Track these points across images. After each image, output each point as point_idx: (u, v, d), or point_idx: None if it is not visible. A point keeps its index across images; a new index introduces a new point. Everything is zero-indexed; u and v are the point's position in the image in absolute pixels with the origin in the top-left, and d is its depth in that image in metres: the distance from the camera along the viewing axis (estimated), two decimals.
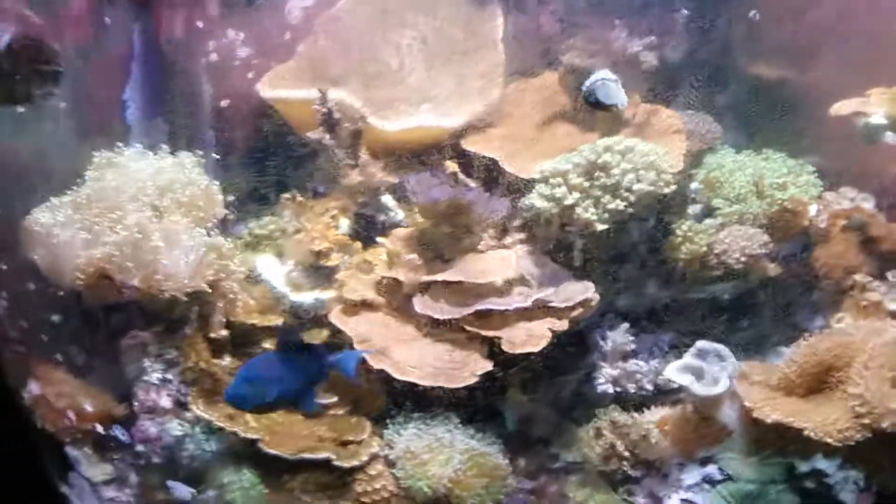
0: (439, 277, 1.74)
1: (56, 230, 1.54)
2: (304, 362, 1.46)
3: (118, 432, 1.69)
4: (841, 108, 1.75)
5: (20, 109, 1.53)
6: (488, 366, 1.67)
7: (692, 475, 1.73)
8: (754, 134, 2.04)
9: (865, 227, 1.85)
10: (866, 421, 1.55)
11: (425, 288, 1.77)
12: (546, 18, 1.94)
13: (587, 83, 1.58)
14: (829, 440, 1.56)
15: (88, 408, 1.67)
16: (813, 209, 1.90)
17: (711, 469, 1.72)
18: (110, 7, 1.72)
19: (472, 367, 1.66)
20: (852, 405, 1.55)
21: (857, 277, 1.82)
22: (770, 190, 1.85)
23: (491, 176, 1.90)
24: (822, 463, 1.64)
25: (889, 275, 1.79)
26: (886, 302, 1.78)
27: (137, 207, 1.56)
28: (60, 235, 1.54)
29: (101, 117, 1.75)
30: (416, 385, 1.66)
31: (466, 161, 1.91)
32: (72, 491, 1.85)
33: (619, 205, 1.74)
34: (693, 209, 1.97)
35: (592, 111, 1.71)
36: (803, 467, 1.65)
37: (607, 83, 1.55)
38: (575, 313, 1.72)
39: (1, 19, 1.35)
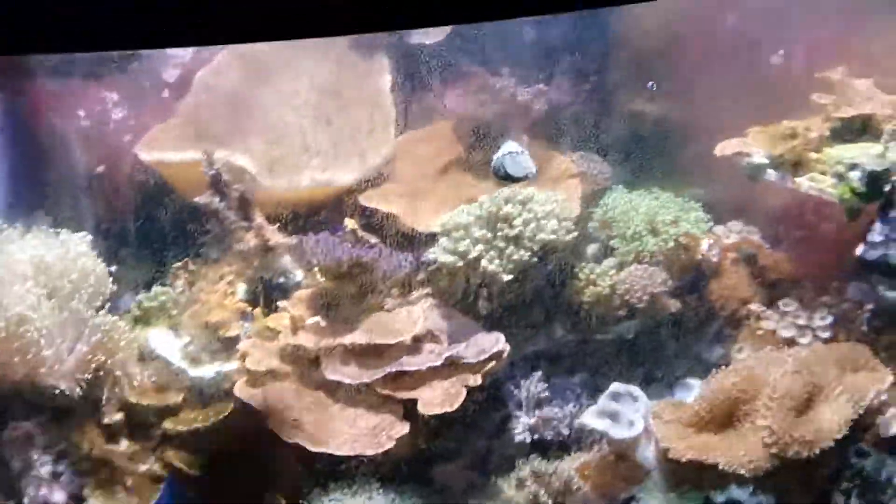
0: (347, 340, 1.69)
1: None
2: None
3: None
4: (724, 148, 1.82)
5: None
6: (405, 428, 1.62)
7: None
8: (643, 172, 2.10)
9: (754, 259, 1.93)
10: (774, 451, 1.61)
11: (332, 352, 1.70)
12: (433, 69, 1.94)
13: (494, 158, 1.57)
14: (742, 471, 1.61)
15: None
16: (704, 244, 1.96)
17: None
18: None
19: (388, 431, 1.61)
20: (761, 436, 1.61)
21: (752, 307, 1.90)
22: (663, 227, 1.90)
23: (390, 231, 1.87)
24: (736, 493, 1.67)
25: (780, 303, 1.87)
26: (780, 330, 1.85)
27: (15, 293, 1.43)
28: None
29: None
30: (332, 455, 1.60)
31: (366, 216, 1.87)
32: None
33: (524, 255, 1.74)
34: (591, 248, 2.00)
35: (503, 184, 1.70)
36: (719, 498, 1.68)
37: (515, 156, 1.56)
38: (488, 367, 1.71)
39: None
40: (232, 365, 1.70)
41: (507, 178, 1.55)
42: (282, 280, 1.84)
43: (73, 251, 1.55)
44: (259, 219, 1.83)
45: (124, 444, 1.64)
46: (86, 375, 1.49)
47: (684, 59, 2.06)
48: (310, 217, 1.87)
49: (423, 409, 1.61)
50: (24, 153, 1.68)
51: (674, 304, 1.91)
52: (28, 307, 1.43)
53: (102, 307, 1.58)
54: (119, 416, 1.63)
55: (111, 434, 1.63)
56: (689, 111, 2.10)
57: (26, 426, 1.59)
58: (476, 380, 1.67)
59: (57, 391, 1.48)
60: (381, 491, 1.66)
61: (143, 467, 1.64)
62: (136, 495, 1.55)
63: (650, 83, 1.93)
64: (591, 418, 1.68)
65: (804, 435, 1.60)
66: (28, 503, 1.58)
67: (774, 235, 1.95)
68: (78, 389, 1.51)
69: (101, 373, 1.55)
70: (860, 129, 1.78)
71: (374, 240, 1.84)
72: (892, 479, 1.75)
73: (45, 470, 1.58)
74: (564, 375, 1.91)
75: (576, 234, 1.79)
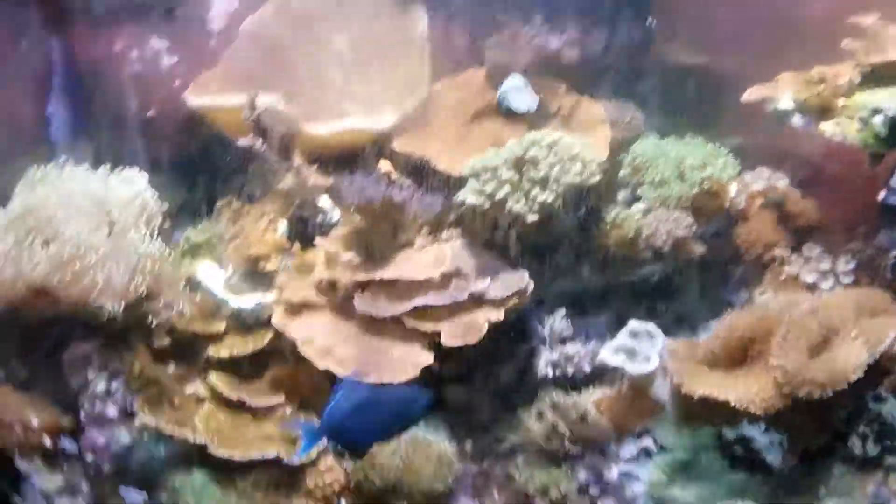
0: (377, 276, 1.79)
1: None
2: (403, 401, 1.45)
3: (66, 443, 1.70)
4: (752, 94, 1.84)
5: None
6: (429, 358, 1.72)
7: (629, 449, 1.81)
8: (676, 120, 2.12)
9: (781, 205, 1.95)
10: (786, 390, 1.65)
11: (364, 286, 1.81)
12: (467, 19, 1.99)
13: (499, 92, 1.63)
14: (753, 409, 1.66)
15: (35, 421, 1.68)
16: (733, 190, 1.99)
17: (647, 442, 1.80)
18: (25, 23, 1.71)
19: (413, 361, 1.71)
20: (773, 375, 1.65)
21: (776, 252, 1.92)
22: (690, 172, 1.93)
23: (423, 174, 1.95)
24: (747, 429, 1.73)
25: (804, 248, 1.89)
26: (803, 274, 1.88)
27: (72, 221, 1.57)
28: None
29: (24, 134, 1.75)
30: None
31: (399, 160, 1.95)
32: (25, 502, 1.86)
33: (549, 196, 1.80)
34: (622, 195, 2.05)
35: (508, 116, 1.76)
36: (730, 434, 1.74)
37: (517, 90, 1.61)
38: (511, 303, 1.79)
39: None
40: (270, 296, 1.82)
41: (509, 112, 1.61)
42: (319, 219, 1.94)
43: (128, 187, 1.68)
44: (299, 161, 1.93)
45: (171, 367, 1.79)
46: (134, 297, 1.62)
47: (721, 7, 2.07)
48: (347, 160, 1.96)
49: (446, 340, 1.70)
50: (81, 95, 1.80)
51: (698, 249, 1.94)
52: (85, 237, 1.57)
53: (153, 239, 1.71)
54: (167, 341, 1.77)
55: (160, 357, 1.78)
56: (726, 60, 2.11)
57: (85, 348, 1.76)
58: (498, 315, 1.75)
59: (108, 312, 1.62)
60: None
61: (188, 389, 1.79)
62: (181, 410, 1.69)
63: (649, 20, 1.94)
64: (608, 353, 1.75)
65: (817, 376, 1.63)
66: (84, 417, 1.76)
67: (803, 182, 1.96)
68: (120, 308, 1.63)
69: (151, 299, 1.69)
70: (892, 75, 1.77)
71: (406, 182, 1.92)
72: None
73: (100, 387, 1.75)
74: (589, 315, 1.98)
75: (600, 177, 1.83)
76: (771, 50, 2.00)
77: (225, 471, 1.73)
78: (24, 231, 1.59)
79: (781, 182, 1.97)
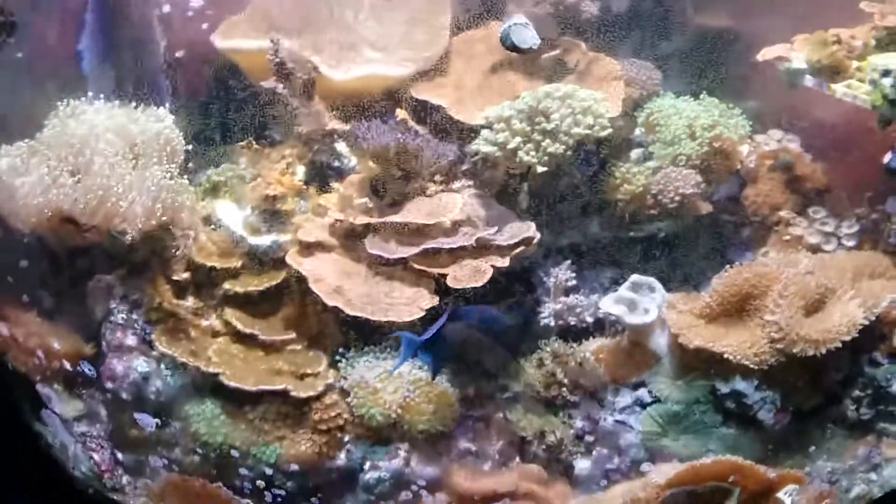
0: (389, 219, 1.85)
1: (17, 176, 1.63)
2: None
3: (86, 368, 1.79)
4: (766, 53, 1.85)
5: None
6: (435, 301, 1.79)
7: (625, 399, 1.86)
8: (693, 80, 2.14)
9: (791, 167, 1.97)
10: (780, 346, 1.70)
11: (376, 229, 1.87)
12: None
13: (502, 28, 1.68)
14: (747, 363, 1.71)
15: (57, 346, 1.77)
16: (745, 150, 2.02)
17: (642, 392, 1.85)
18: None
19: (419, 303, 1.78)
20: (768, 331, 1.70)
21: (782, 214, 1.95)
22: (701, 132, 1.96)
23: (439, 123, 1.99)
24: (741, 384, 1.77)
25: (810, 210, 1.92)
26: (807, 236, 1.91)
27: (99, 153, 1.65)
28: (21, 180, 1.62)
29: (57, 68, 1.82)
30: (368, 320, 1.78)
31: (416, 109, 2.00)
32: (46, 428, 1.97)
33: (559, 148, 1.84)
34: (636, 153, 2.08)
35: (511, 54, 1.82)
36: (724, 389, 1.78)
37: (520, 28, 1.65)
38: (517, 251, 1.84)
39: None
40: (286, 236, 1.89)
41: (513, 49, 1.65)
42: (336, 163, 2.00)
43: (153, 124, 1.75)
44: (319, 105, 1.98)
45: (190, 301, 1.87)
46: (155, 229, 1.70)
47: None
48: (365, 106, 2.01)
49: (452, 283, 1.77)
50: (112, 33, 1.86)
51: (705, 207, 1.98)
52: (111, 168, 1.64)
53: (176, 174, 1.78)
54: (186, 275, 1.85)
55: (179, 290, 1.86)
56: (747, 23, 2.11)
57: (108, 279, 1.84)
58: (504, 262, 1.81)
59: (130, 241, 1.70)
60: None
61: (204, 322, 1.87)
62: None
63: None
64: (608, 303, 1.80)
65: (811, 333, 1.68)
66: (105, 345, 1.85)
67: (814, 145, 1.98)
68: (139, 237, 1.71)
69: (171, 232, 1.76)
70: None
71: (422, 130, 1.97)
72: None
73: (120, 317, 1.83)
74: (595, 268, 2.02)
75: (610, 131, 1.86)
76: (793, 13, 2.01)
77: (236, 402, 1.81)
78: (54, 161, 1.66)
79: (793, 144, 1.99)
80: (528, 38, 1.66)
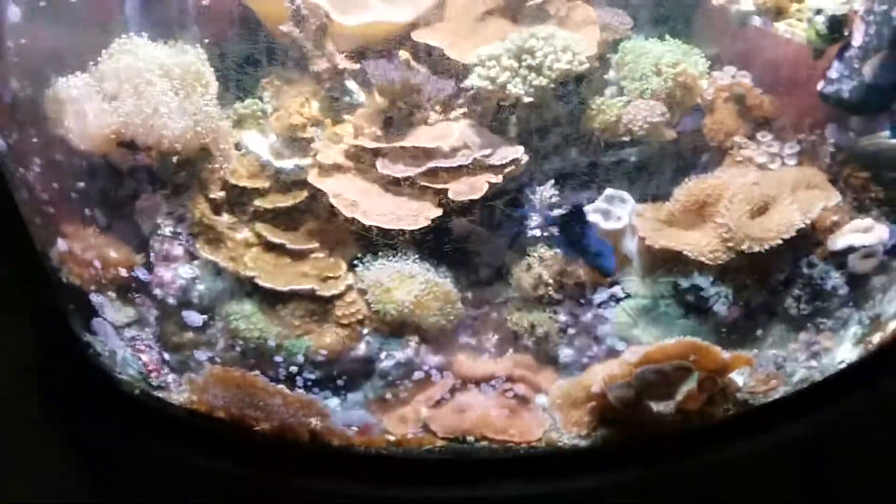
0: (397, 144, 2.13)
1: (79, 101, 1.89)
2: None
3: (140, 273, 2.07)
4: None
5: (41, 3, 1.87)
6: (439, 212, 2.07)
7: (602, 296, 2.14)
8: (660, 25, 2.41)
9: (742, 98, 2.26)
10: (731, 244, 2.01)
11: (385, 153, 2.15)
12: None
13: None
14: (703, 259, 2.00)
15: (114, 255, 2.04)
16: (704, 84, 2.31)
17: (616, 290, 2.13)
18: None
19: (425, 213, 2.06)
20: (720, 232, 2.01)
21: (736, 139, 2.25)
22: (666, 69, 2.25)
23: (437, 62, 2.26)
24: (699, 280, 2.08)
25: (758, 135, 2.22)
26: (756, 157, 2.21)
27: (149, 82, 1.91)
28: (83, 105, 1.88)
29: (103, 10, 2.06)
30: (381, 230, 2.06)
31: (417, 49, 2.26)
32: (95, 337, 2.22)
33: (542, 81, 2.11)
34: (610, 90, 2.36)
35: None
36: (684, 284, 2.07)
37: None
38: (508, 170, 2.12)
39: None
40: (307, 160, 2.13)
41: None
42: (347, 99, 2.26)
43: (190, 60, 2.01)
44: (331, 47, 2.23)
45: (225, 217, 2.13)
46: (196, 152, 1.97)
47: None
48: (372, 48, 2.27)
49: (453, 195, 2.04)
50: None
51: (669, 134, 2.27)
52: (160, 96, 1.91)
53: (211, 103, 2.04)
54: (221, 194, 2.11)
55: (216, 207, 2.09)
56: None
57: (155, 197, 2.07)
58: (497, 178, 2.09)
59: (175, 161, 1.97)
60: (417, 260, 2.12)
61: (239, 235, 2.13)
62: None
63: None
64: (587, 212, 2.10)
65: (755, 232, 1.98)
66: (153, 256, 2.09)
67: (762, 80, 2.27)
68: (176, 159, 1.98)
69: (209, 155, 2.03)
70: None
71: (423, 69, 2.24)
72: (837, 289, 2.11)
73: (167, 230, 2.08)
74: (576, 189, 2.31)
75: (586, 66, 2.14)
76: None
77: (269, 301, 2.08)
78: (109, 90, 1.93)
79: (745, 79, 2.29)
80: None
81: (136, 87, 1.91)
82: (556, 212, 2.12)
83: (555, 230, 2.20)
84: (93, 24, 1.99)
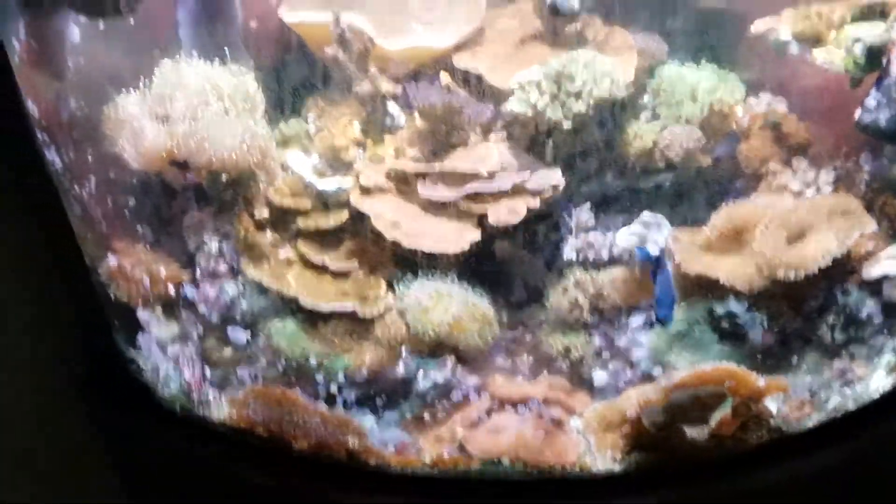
0: (437, 167, 2.17)
1: (135, 120, 1.95)
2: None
3: (187, 291, 2.12)
4: (758, 25, 2.17)
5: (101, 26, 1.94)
6: (478, 235, 2.11)
7: (637, 320, 2.16)
8: (698, 52, 2.45)
9: (778, 126, 2.29)
10: (765, 271, 2.02)
11: (425, 176, 2.19)
12: None
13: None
14: (738, 286, 2.03)
15: (163, 272, 2.09)
16: (739, 111, 2.33)
17: (651, 314, 2.18)
18: None
19: (465, 236, 2.10)
20: (755, 259, 2.02)
21: (771, 166, 2.27)
22: (702, 95, 2.28)
23: (477, 86, 2.31)
24: (734, 306, 2.09)
25: (794, 162, 2.24)
26: (791, 184, 2.23)
27: (201, 103, 1.97)
28: (138, 124, 1.95)
29: (161, 33, 2.13)
30: (421, 251, 2.10)
31: (458, 74, 2.31)
32: (139, 353, 2.27)
33: (581, 107, 2.16)
34: (645, 113, 2.39)
35: (554, 16, 2.20)
36: (720, 310, 2.08)
37: None
38: (546, 195, 2.16)
39: None
40: (349, 181, 2.18)
41: (554, 12, 2.00)
42: (388, 121, 2.31)
43: (240, 81, 2.07)
44: (373, 70, 2.29)
45: (269, 235, 2.19)
46: (244, 172, 2.03)
47: None
48: (414, 71, 2.32)
49: (492, 220, 2.09)
50: (203, 6, 2.17)
51: (706, 160, 2.30)
52: (211, 116, 1.97)
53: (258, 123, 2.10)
54: (265, 213, 2.17)
55: (259, 225, 2.15)
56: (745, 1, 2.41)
57: (201, 215, 2.14)
58: (535, 203, 2.13)
59: (224, 180, 2.03)
60: (457, 281, 2.16)
61: (282, 253, 2.19)
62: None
63: None
64: (623, 236, 2.13)
65: (791, 259, 2.00)
66: (200, 272, 2.15)
67: (799, 107, 2.30)
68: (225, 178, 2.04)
69: (255, 174, 2.09)
70: (878, 13, 2.09)
71: (463, 92, 2.29)
72: (872, 318, 2.10)
73: (213, 247, 2.14)
74: (611, 213, 2.34)
75: (626, 93, 2.18)
76: None
77: (310, 320, 2.12)
78: (163, 109, 1.99)
79: (780, 106, 2.31)
80: (569, 3, 2.02)
81: (190, 108, 1.97)
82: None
83: (592, 254, 2.23)
84: (148, 44, 2.06)
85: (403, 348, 2.14)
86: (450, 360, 2.14)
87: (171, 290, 2.12)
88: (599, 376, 2.19)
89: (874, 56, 1.95)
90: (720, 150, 2.35)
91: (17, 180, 2.00)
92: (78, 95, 2.04)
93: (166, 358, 2.23)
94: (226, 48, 2.12)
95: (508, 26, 2.40)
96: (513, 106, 2.19)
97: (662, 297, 1.96)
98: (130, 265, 2.12)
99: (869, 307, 2.13)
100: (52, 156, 2.05)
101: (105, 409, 2.33)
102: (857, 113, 2.02)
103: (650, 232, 2.14)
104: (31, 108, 1.99)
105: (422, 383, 2.14)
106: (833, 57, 2.03)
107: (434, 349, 2.15)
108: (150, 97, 2.02)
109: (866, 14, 2.07)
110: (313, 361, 2.10)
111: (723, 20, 2.42)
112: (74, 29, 1.97)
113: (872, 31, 1.95)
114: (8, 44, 1.90)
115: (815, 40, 2.09)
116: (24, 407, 2.18)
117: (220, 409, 2.22)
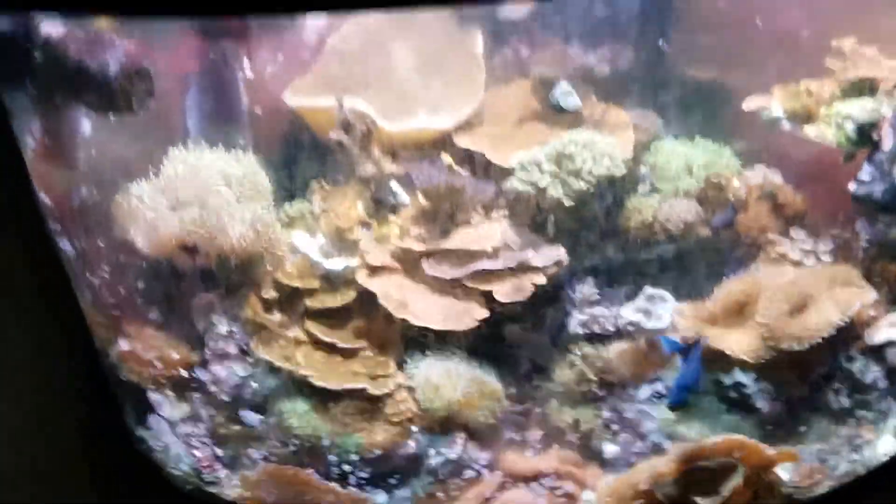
0: (442, 246, 2.21)
1: (146, 208, 1.99)
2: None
3: (198, 373, 2.13)
4: (750, 102, 2.25)
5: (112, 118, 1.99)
6: (485, 313, 2.13)
7: (645, 392, 2.18)
8: (690, 126, 2.51)
9: (774, 196, 2.34)
10: (770, 343, 2.05)
11: (430, 255, 2.23)
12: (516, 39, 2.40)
13: (551, 94, 2.11)
14: (744, 357, 2.06)
15: (175, 356, 2.11)
16: (736, 183, 2.39)
17: (659, 386, 2.17)
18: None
19: (472, 314, 2.12)
20: (760, 331, 2.05)
21: (769, 236, 2.32)
22: (697, 169, 2.33)
23: (478, 165, 2.36)
24: (740, 377, 2.11)
25: (791, 232, 2.29)
26: (790, 253, 2.27)
27: (211, 190, 2.01)
28: (149, 212, 1.98)
29: (170, 123, 2.19)
30: (429, 329, 2.13)
31: (459, 154, 2.37)
32: (149, 433, 2.27)
33: (582, 185, 2.21)
34: (642, 188, 2.45)
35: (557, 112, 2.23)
36: (727, 381, 2.11)
37: (566, 93, 2.08)
38: (551, 271, 2.19)
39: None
40: (355, 260, 2.21)
41: (559, 110, 2.07)
42: (392, 200, 2.35)
43: (245, 167, 2.12)
44: (376, 152, 2.34)
45: (277, 315, 2.21)
46: (250, 256, 2.06)
47: (728, 30, 2.45)
48: (416, 152, 2.38)
49: (499, 297, 2.12)
50: (210, 95, 2.23)
51: (704, 232, 2.34)
52: (221, 203, 2.01)
53: (265, 209, 2.14)
54: (273, 293, 2.19)
55: (268, 306, 2.17)
56: (734, 75, 2.49)
57: (209, 296, 2.16)
58: (540, 279, 2.16)
59: (231, 266, 2.06)
60: (465, 358, 2.18)
61: (290, 333, 2.20)
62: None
63: (661, 42, 2.33)
64: (628, 311, 2.16)
65: (795, 331, 2.02)
66: (209, 353, 2.16)
67: (793, 178, 2.35)
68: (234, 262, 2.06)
69: (262, 258, 2.12)
70: (867, 89, 2.17)
71: (464, 171, 2.33)
72: (877, 383, 2.12)
73: (222, 329, 2.16)
74: (614, 286, 2.37)
75: (625, 171, 2.24)
76: (769, 66, 2.39)
77: (321, 400, 2.12)
78: (173, 197, 2.03)
79: (775, 177, 2.37)
80: (574, 102, 2.11)
81: (200, 195, 2.02)
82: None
83: (597, 328, 2.25)
84: (157, 134, 2.12)
85: (414, 426, 2.13)
86: (460, 437, 2.14)
87: (183, 372, 2.13)
88: (610, 449, 2.19)
89: (865, 133, 2.02)
90: (718, 221, 2.39)
91: (30, 268, 2.03)
92: (89, 185, 2.08)
93: (177, 438, 2.22)
94: (232, 135, 2.17)
95: (507, 106, 2.47)
96: (515, 185, 2.24)
97: (688, 383, 1.97)
98: (142, 348, 2.13)
99: (874, 372, 2.15)
100: (63, 244, 2.08)
101: (115, 489, 2.31)
102: (852, 186, 2.07)
103: (654, 306, 2.18)
104: (44, 198, 2.03)
105: (433, 460, 2.13)
106: (825, 133, 2.10)
107: (444, 426, 2.15)
108: (159, 185, 2.06)
109: (856, 90, 2.15)
110: (325, 441, 2.10)
111: (714, 94, 2.49)
112: (86, 122, 2.02)
113: (863, 109, 2.02)
114: (22, 139, 1.95)
115: (807, 117, 2.16)
116: (33, 490, 2.17)
117: (232, 488, 2.21)
